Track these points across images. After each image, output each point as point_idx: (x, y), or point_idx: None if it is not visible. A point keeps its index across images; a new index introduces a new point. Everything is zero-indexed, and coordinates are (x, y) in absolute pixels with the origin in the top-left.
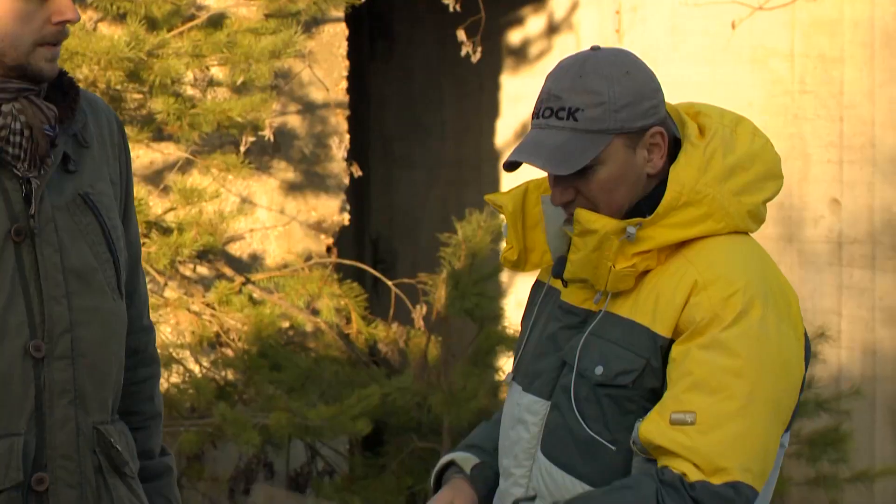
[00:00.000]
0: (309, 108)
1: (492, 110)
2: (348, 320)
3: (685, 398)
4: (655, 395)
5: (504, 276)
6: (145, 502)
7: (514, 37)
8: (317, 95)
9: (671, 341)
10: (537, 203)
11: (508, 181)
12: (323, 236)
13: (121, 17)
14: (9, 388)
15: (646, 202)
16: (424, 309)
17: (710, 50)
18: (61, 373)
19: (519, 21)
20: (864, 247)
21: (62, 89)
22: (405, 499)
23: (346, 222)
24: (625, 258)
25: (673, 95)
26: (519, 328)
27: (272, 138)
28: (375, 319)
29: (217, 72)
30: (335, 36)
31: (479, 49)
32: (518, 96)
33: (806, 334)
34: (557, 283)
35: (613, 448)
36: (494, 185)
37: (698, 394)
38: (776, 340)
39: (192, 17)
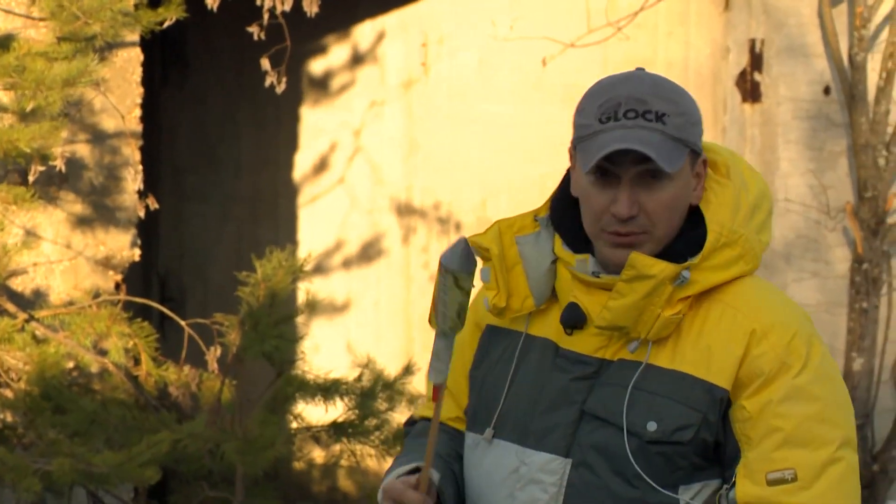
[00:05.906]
0: (100, 138)
1: (290, 143)
2: (137, 361)
3: (778, 456)
4: (706, 448)
5: (302, 318)
6: None
7: (316, 67)
8: (108, 124)
9: (729, 393)
10: (512, 244)
11: (305, 219)
12: (112, 272)
13: None
14: None
15: (681, 242)
16: (219, 351)
17: (521, 86)
18: None
19: (321, 50)
20: None
21: None
22: None
23: (137, 258)
24: (671, 305)
25: (483, 132)
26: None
27: (63, 169)
28: (166, 361)
29: (2, 95)
30: (129, 62)
31: (284, 80)
32: (318, 129)
33: None
34: (543, 331)
35: None
36: (291, 221)
37: (791, 449)
38: (838, 374)
39: None
